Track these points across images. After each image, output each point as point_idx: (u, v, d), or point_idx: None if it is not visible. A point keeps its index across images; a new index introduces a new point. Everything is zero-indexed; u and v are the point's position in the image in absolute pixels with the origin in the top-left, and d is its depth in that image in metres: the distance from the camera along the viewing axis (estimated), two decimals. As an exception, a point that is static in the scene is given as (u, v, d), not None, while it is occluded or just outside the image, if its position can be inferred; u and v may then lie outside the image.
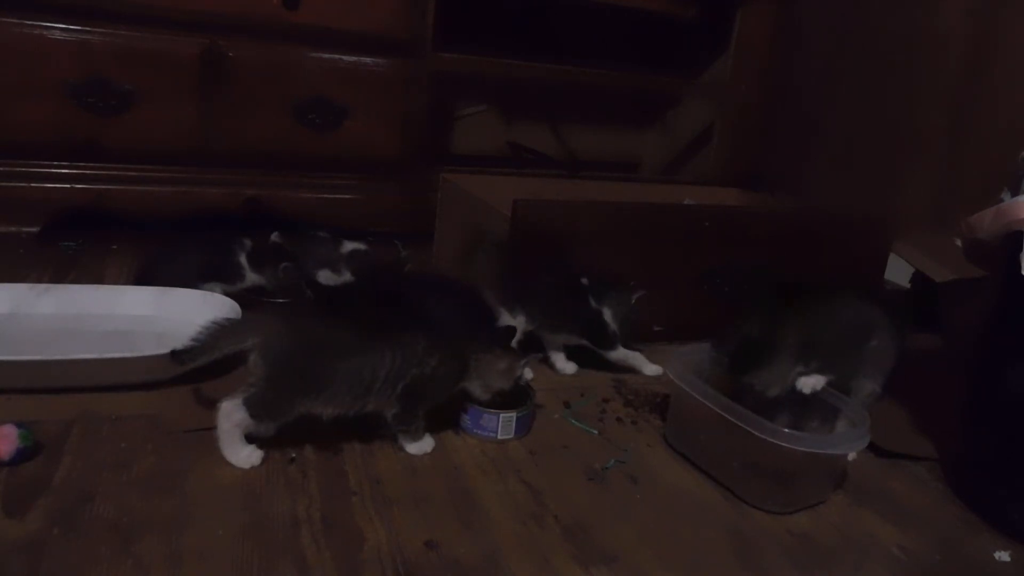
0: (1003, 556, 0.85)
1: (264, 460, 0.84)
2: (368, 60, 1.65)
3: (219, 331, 0.84)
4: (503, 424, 0.96)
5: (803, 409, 0.99)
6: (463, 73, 1.88)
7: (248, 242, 1.31)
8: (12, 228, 1.51)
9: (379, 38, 1.65)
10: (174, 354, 0.86)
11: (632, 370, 1.21)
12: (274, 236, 1.36)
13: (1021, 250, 0.88)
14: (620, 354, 1.19)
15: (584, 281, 1.17)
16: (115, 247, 1.53)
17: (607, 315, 1.16)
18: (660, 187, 1.90)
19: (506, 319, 1.12)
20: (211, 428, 0.84)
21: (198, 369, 0.90)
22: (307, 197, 1.70)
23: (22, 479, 0.77)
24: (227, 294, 1.24)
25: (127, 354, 0.96)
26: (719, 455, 0.93)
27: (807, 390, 0.96)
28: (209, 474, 0.81)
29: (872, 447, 0.99)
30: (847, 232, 1.46)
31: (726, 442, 0.90)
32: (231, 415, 0.82)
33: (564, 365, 1.19)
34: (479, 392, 0.94)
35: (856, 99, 1.98)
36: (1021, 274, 0.87)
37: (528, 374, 1.12)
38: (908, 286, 1.65)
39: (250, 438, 0.84)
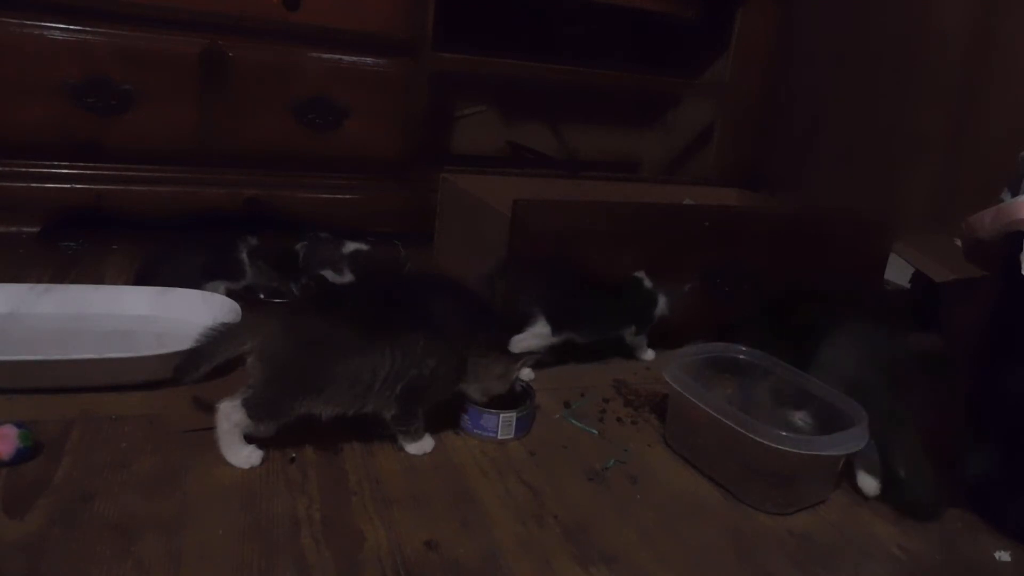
0: (1003, 556, 0.85)
1: (264, 460, 0.84)
2: (368, 60, 1.65)
3: (217, 337, 0.84)
4: (503, 424, 0.96)
5: (815, 409, 1.00)
6: (463, 73, 1.88)
7: (252, 239, 1.32)
8: (12, 228, 1.51)
9: (379, 38, 1.65)
10: (176, 370, 0.86)
11: (633, 356, 1.27)
12: (298, 246, 1.37)
13: (1021, 250, 0.88)
14: (639, 339, 1.26)
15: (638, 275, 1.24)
16: (115, 247, 1.53)
17: (661, 304, 1.23)
18: (660, 187, 1.90)
19: (542, 329, 1.14)
20: (211, 428, 0.84)
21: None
22: (307, 197, 1.70)
23: (22, 479, 0.77)
24: (231, 291, 1.24)
25: (127, 354, 0.97)
26: (717, 457, 0.93)
27: None
28: (209, 474, 0.81)
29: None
30: (847, 232, 1.46)
31: (723, 444, 0.90)
32: (230, 415, 0.82)
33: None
34: (477, 395, 0.94)
35: (856, 99, 1.98)
36: (1021, 274, 0.87)
37: (528, 374, 1.12)
38: (908, 286, 1.65)
39: (250, 438, 0.84)
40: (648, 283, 1.23)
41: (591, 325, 1.20)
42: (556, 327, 1.14)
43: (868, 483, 0.93)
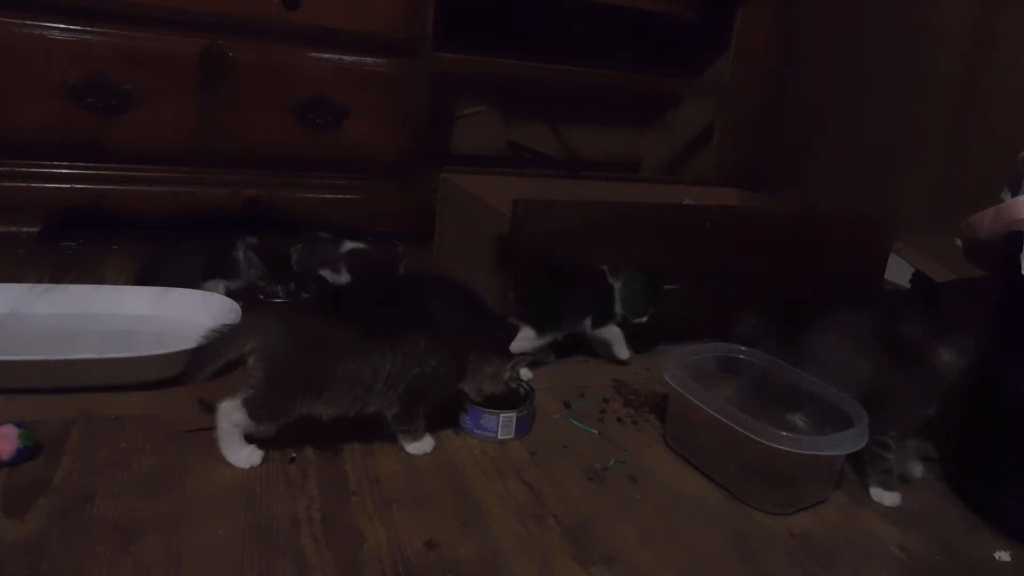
0: (1003, 556, 0.85)
1: (264, 460, 0.84)
2: (368, 60, 1.66)
3: (219, 339, 0.84)
4: (503, 424, 0.96)
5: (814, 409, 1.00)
6: (463, 73, 1.88)
7: (251, 239, 1.32)
8: (12, 228, 1.51)
9: (379, 38, 1.65)
10: (183, 374, 0.86)
11: (610, 351, 1.24)
12: (293, 249, 1.37)
13: (1021, 250, 0.88)
14: (606, 331, 1.21)
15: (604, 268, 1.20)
16: (115, 247, 1.53)
17: (616, 293, 1.19)
18: (660, 187, 1.90)
19: (527, 332, 1.12)
20: (211, 428, 0.84)
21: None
22: (307, 197, 1.70)
23: (22, 479, 0.77)
24: (230, 290, 1.24)
25: (127, 354, 0.96)
26: (717, 457, 0.92)
27: None
28: (209, 474, 0.81)
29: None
30: (847, 232, 1.46)
31: (723, 444, 0.90)
32: (231, 415, 0.82)
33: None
34: (472, 393, 0.94)
35: (856, 99, 1.98)
36: (1021, 274, 0.87)
37: (527, 374, 1.12)
38: (908, 286, 1.65)
39: (250, 438, 0.84)
40: (611, 279, 1.20)
41: (559, 320, 1.17)
42: (539, 329, 1.13)
43: (886, 497, 0.93)
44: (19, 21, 1.42)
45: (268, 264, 1.33)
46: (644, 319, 1.21)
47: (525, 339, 1.11)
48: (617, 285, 1.20)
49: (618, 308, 1.20)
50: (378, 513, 0.78)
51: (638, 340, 1.25)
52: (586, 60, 1.95)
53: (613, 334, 1.22)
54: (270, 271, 1.33)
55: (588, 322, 1.20)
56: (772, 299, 1.19)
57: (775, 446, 0.83)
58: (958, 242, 1.10)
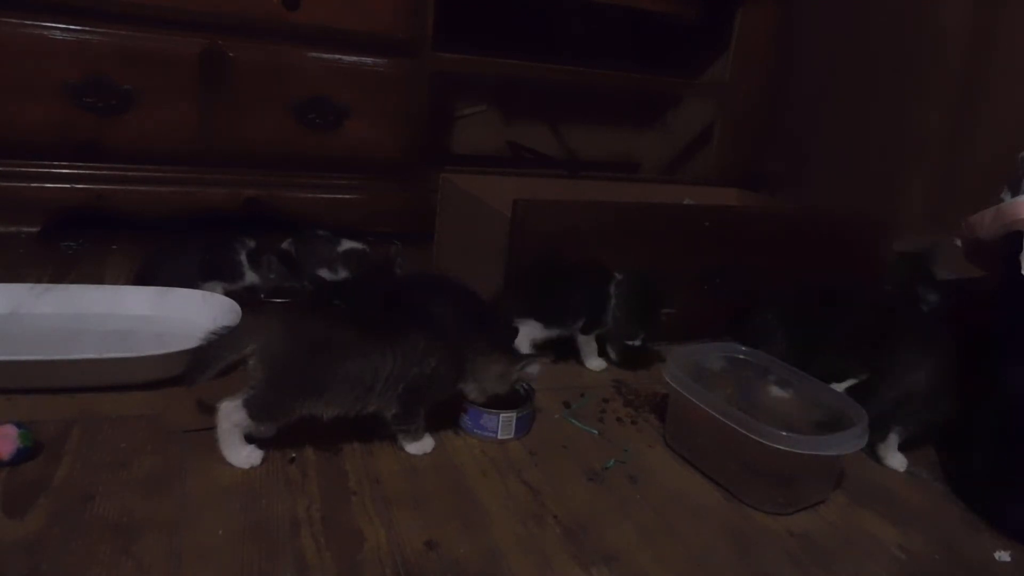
0: (1003, 556, 0.85)
1: (264, 460, 0.84)
2: (368, 60, 1.66)
3: (219, 341, 0.84)
4: (503, 424, 0.95)
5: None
6: (463, 73, 1.88)
7: (250, 242, 1.31)
8: (12, 228, 1.51)
9: (379, 38, 1.65)
10: (184, 377, 0.87)
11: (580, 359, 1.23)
12: (285, 244, 1.37)
13: (1021, 250, 0.88)
14: (583, 339, 1.20)
15: (617, 275, 1.19)
16: (115, 247, 1.53)
17: (611, 305, 1.17)
18: (660, 187, 1.90)
19: (532, 326, 1.13)
20: (211, 428, 0.84)
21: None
22: (307, 197, 1.70)
23: (22, 479, 0.77)
24: (228, 293, 1.24)
25: (127, 354, 0.96)
26: (717, 457, 0.92)
27: None
28: (209, 474, 0.81)
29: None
30: (847, 232, 1.46)
31: (723, 444, 0.90)
32: (231, 415, 0.82)
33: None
34: (475, 394, 0.94)
35: (856, 99, 1.98)
36: (1021, 274, 0.87)
37: (538, 370, 1.11)
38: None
39: (250, 438, 0.84)
40: (614, 286, 1.17)
41: (562, 314, 1.16)
42: (545, 321, 1.13)
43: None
44: (19, 21, 1.41)
45: (281, 262, 1.32)
46: (637, 343, 1.18)
47: (533, 330, 1.11)
48: (613, 298, 1.17)
49: (609, 319, 1.18)
50: (378, 513, 0.78)
51: (637, 351, 1.25)
52: (586, 60, 1.95)
53: (585, 341, 1.21)
54: (288, 269, 1.32)
55: (581, 324, 1.18)
56: (783, 296, 1.20)
57: (775, 446, 0.83)
58: (958, 242, 1.10)
